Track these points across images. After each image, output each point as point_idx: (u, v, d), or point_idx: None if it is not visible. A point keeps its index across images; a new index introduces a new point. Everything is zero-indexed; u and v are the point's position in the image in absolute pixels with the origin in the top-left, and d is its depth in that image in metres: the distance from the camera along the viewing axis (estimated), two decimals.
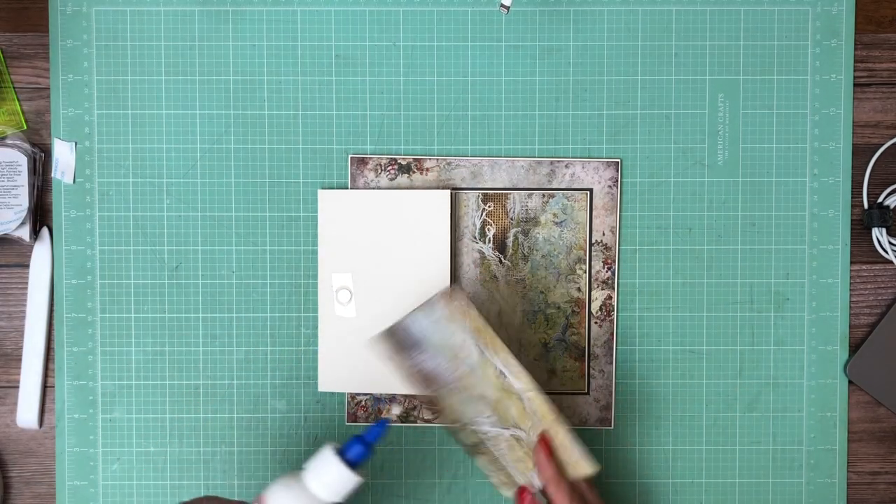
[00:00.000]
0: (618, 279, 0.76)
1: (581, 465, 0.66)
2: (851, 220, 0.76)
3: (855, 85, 0.76)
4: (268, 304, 0.76)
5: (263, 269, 0.76)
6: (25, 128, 0.76)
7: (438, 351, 0.67)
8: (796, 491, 0.76)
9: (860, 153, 0.76)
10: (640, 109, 0.75)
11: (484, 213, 0.75)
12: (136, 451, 0.76)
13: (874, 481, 0.77)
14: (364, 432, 0.62)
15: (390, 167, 0.75)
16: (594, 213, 0.75)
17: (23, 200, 0.74)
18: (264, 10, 0.75)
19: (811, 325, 0.76)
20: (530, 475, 0.68)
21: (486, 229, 0.75)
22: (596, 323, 0.75)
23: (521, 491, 0.68)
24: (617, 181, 0.75)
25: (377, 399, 0.76)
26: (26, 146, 0.75)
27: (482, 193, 0.75)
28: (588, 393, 0.76)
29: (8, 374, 0.76)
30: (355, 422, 0.76)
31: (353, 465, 0.58)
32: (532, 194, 0.75)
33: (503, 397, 0.67)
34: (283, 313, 0.76)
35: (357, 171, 0.75)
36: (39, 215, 0.76)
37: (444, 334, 0.66)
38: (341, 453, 0.59)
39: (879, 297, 0.77)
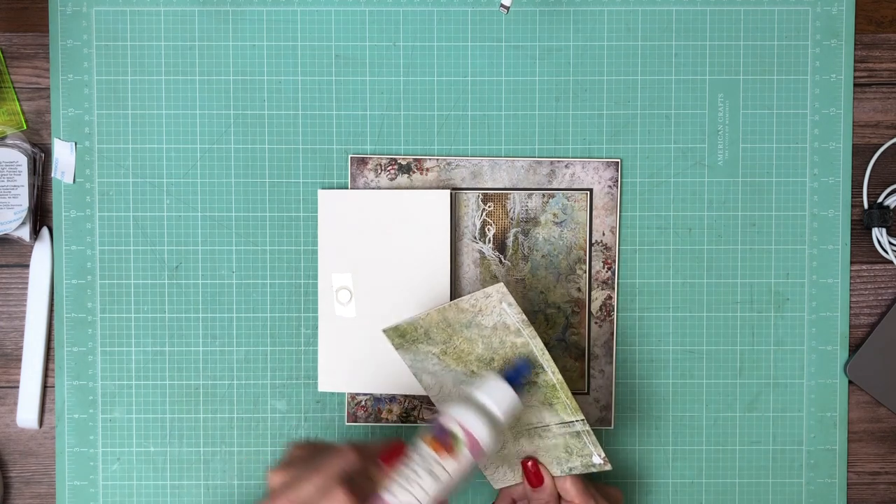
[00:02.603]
0: (618, 279, 0.76)
1: (593, 461, 0.66)
2: (851, 220, 0.76)
3: (855, 85, 0.76)
4: (268, 304, 0.76)
5: (263, 269, 0.76)
6: (25, 128, 0.76)
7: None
8: (796, 491, 0.76)
9: (860, 153, 0.76)
10: (640, 109, 0.75)
11: (484, 213, 0.75)
12: (136, 451, 0.76)
13: (874, 481, 0.77)
14: (513, 370, 0.64)
15: (390, 167, 0.75)
16: (594, 213, 0.75)
17: (23, 200, 0.74)
18: (264, 10, 0.75)
19: (811, 325, 0.76)
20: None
21: (486, 229, 0.75)
22: (596, 323, 0.75)
23: (525, 461, 0.68)
24: (617, 181, 0.75)
25: (377, 399, 0.76)
26: (26, 146, 0.75)
27: (482, 193, 0.75)
28: (588, 393, 0.76)
29: (8, 374, 0.76)
30: (355, 422, 0.76)
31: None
32: (532, 194, 0.75)
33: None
34: (283, 313, 0.76)
35: (357, 171, 0.75)
36: (39, 215, 0.76)
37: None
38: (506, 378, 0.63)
39: (879, 297, 0.77)
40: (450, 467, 0.58)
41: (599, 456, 0.66)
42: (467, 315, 0.66)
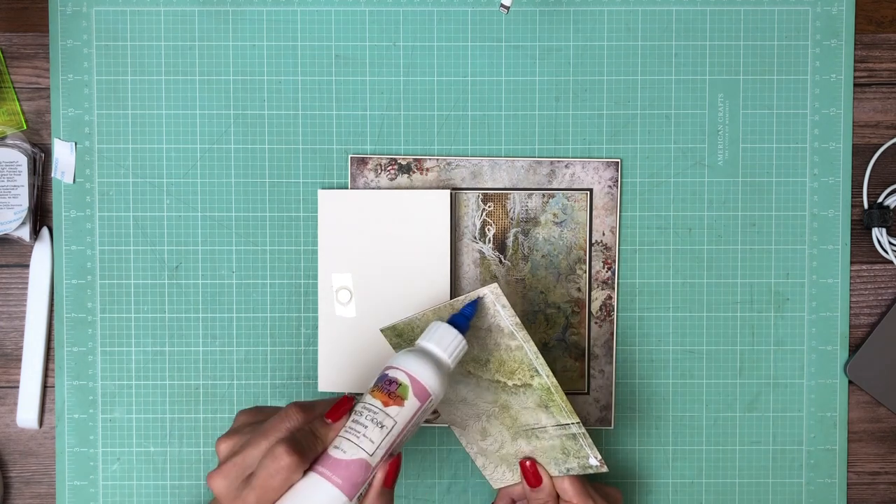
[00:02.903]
0: (618, 279, 0.76)
1: (589, 462, 0.66)
2: (851, 220, 0.76)
3: (855, 85, 0.76)
4: (268, 304, 0.76)
5: (263, 269, 0.76)
6: (25, 128, 0.76)
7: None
8: (796, 491, 0.76)
9: (860, 153, 0.76)
10: (640, 109, 0.75)
11: (484, 213, 0.75)
12: (136, 451, 0.76)
13: (874, 481, 0.77)
14: (458, 314, 0.63)
15: (390, 167, 0.75)
16: (594, 213, 0.75)
17: (23, 200, 0.74)
18: (264, 10, 0.75)
19: (811, 325, 0.76)
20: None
21: (486, 229, 0.75)
22: (596, 323, 0.75)
23: (524, 461, 0.68)
24: (617, 181, 0.75)
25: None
26: (26, 146, 0.75)
27: (482, 193, 0.75)
28: (588, 393, 0.76)
29: (8, 374, 0.76)
30: None
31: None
32: (532, 194, 0.75)
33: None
34: (283, 313, 0.76)
35: (357, 171, 0.75)
36: (39, 215, 0.76)
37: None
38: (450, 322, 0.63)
39: (879, 297, 0.77)
40: (396, 415, 0.57)
41: (596, 458, 0.66)
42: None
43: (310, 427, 0.56)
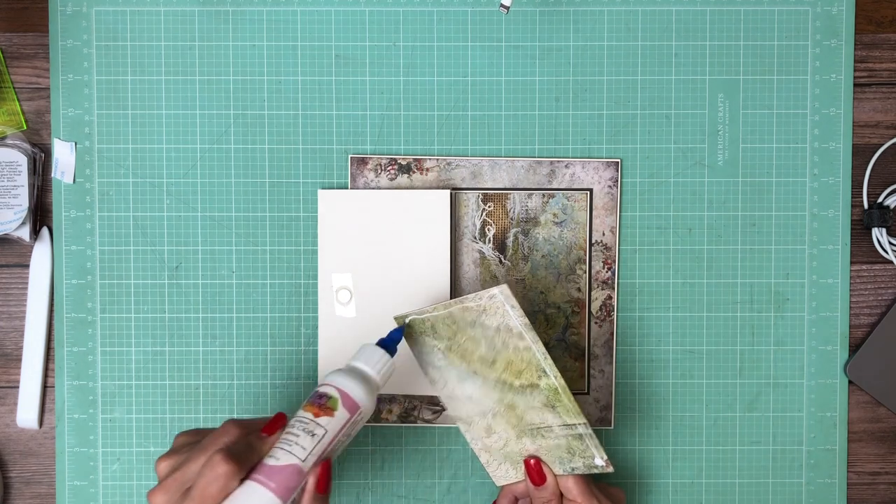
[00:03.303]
0: (618, 279, 0.76)
1: (595, 462, 0.66)
2: (851, 220, 0.76)
3: (855, 85, 0.76)
4: (268, 304, 0.76)
5: (263, 269, 0.76)
6: (25, 128, 0.76)
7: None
8: (796, 491, 0.76)
9: (860, 153, 0.76)
10: (640, 109, 0.75)
11: (484, 213, 0.75)
12: (136, 451, 0.76)
13: (874, 481, 0.77)
14: (386, 337, 0.67)
15: (390, 167, 0.75)
16: (594, 213, 0.75)
17: (23, 200, 0.74)
18: (264, 10, 0.75)
19: (811, 325, 0.76)
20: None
21: (486, 229, 0.75)
22: (596, 323, 0.75)
23: (528, 459, 0.68)
24: (617, 181, 0.75)
25: (377, 399, 0.76)
26: (26, 146, 0.75)
27: (482, 193, 0.75)
28: (588, 393, 0.76)
29: (8, 374, 0.76)
30: None
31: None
32: (532, 194, 0.75)
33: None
34: (283, 313, 0.76)
35: (357, 171, 0.75)
36: (39, 215, 0.76)
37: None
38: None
39: (879, 297, 0.77)
40: (327, 424, 0.61)
41: (602, 458, 0.66)
42: (472, 314, 0.67)
43: (246, 440, 0.60)
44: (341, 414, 0.62)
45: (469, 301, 0.66)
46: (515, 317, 0.65)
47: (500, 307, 0.65)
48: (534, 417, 0.67)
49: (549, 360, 0.65)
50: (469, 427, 0.71)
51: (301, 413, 0.61)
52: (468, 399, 0.69)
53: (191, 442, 0.62)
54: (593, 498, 0.67)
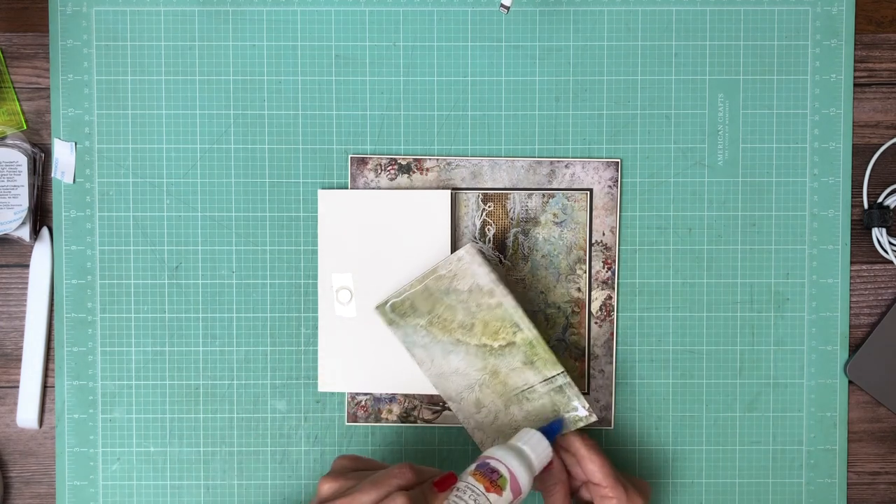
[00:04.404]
0: (618, 279, 0.76)
1: (578, 414, 0.69)
2: (851, 220, 0.76)
3: (855, 85, 0.76)
4: (268, 304, 0.76)
5: (263, 269, 0.76)
6: (25, 128, 0.76)
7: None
8: (796, 491, 0.76)
9: (860, 153, 0.76)
10: (640, 109, 0.75)
11: (484, 213, 0.75)
12: (136, 451, 0.76)
13: (874, 481, 0.77)
14: (548, 426, 0.68)
15: (390, 167, 0.75)
16: (594, 213, 0.75)
17: (23, 200, 0.74)
18: (264, 10, 0.75)
19: (811, 325, 0.76)
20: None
21: (486, 229, 0.75)
22: (596, 323, 0.75)
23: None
24: (617, 181, 0.75)
25: (377, 399, 0.76)
26: (26, 146, 0.75)
27: (482, 193, 0.75)
28: (588, 393, 0.76)
29: (8, 374, 0.76)
30: (355, 422, 0.76)
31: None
32: (532, 194, 0.75)
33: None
34: (283, 313, 0.76)
35: (357, 171, 0.75)
36: (39, 215, 0.76)
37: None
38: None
39: (879, 297, 0.77)
40: (495, 502, 0.62)
41: (584, 407, 0.69)
42: (444, 282, 0.70)
43: (420, 489, 0.61)
44: (507, 495, 0.63)
45: (441, 269, 0.69)
46: (483, 274, 0.68)
47: (468, 268, 0.68)
48: (516, 380, 0.70)
49: (521, 312, 0.68)
50: (460, 405, 0.72)
51: (471, 481, 0.62)
52: (455, 373, 0.71)
53: (354, 468, 0.64)
54: (616, 481, 0.67)
